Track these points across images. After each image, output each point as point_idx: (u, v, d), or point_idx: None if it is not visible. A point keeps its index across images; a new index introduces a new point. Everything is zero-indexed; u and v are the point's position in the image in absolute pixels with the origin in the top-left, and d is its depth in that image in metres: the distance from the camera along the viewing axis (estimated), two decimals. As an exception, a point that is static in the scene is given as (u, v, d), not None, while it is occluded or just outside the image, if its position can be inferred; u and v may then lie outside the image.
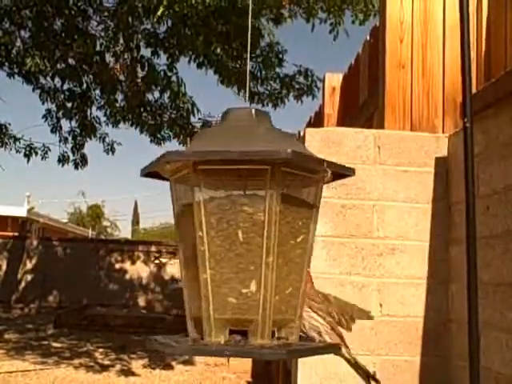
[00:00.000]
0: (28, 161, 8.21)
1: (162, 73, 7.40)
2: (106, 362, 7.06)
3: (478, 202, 1.70)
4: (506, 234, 2.09)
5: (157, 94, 7.83)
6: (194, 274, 1.16)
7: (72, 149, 8.21)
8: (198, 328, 1.17)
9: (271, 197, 1.12)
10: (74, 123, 8.14)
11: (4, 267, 14.31)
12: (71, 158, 8.24)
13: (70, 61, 7.35)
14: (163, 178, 1.21)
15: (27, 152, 8.16)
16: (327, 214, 2.57)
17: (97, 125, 8.13)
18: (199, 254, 1.13)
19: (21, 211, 21.60)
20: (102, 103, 7.99)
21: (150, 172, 1.19)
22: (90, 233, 32.68)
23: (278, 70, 7.46)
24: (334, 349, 1.28)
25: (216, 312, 1.12)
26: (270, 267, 1.13)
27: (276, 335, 1.16)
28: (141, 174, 1.20)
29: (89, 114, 8.03)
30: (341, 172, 1.21)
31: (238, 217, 1.13)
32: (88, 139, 8.18)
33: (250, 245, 1.13)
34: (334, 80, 4.56)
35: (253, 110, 1.19)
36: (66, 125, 8.23)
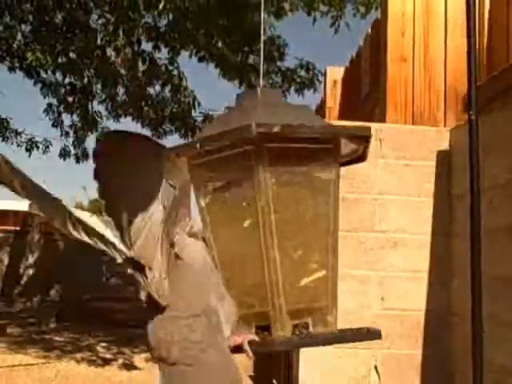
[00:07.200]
0: (29, 155, 8.22)
1: (163, 67, 7.39)
2: (108, 356, 7.07)
3: (482, 195, 1.69)
4: (509, 227, 2.09)
5: (158, 88, 7.83)
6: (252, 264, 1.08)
7: (73, 143, 8.21)
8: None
9: (335, 178, 1.11)
10: (75, 117, 8.14)
11: (6, 261, 14.34)
12: (72, 152, 8.25)
13: (71, 55, 7.33)
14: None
15: (28, 146, 8.16)
16: (329, 208, 2.56)
17: (98, 119, 8.13)
18: (262, 231, 1.04)
19: (22, 205, 21.61)
20: (104, 97, 7.98)
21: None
22: (92, 227, 32.61)
23: (279, 63, 7.44)
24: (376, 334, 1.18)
25: (286, 300, 1.05)
26: (335, 251, 1.10)
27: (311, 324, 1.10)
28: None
29: (90, 108, 8.02)
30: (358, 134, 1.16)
31: (301, 199, 1.09)
32: (89, 133, 8.19)
33: (314, 225, 1.08)
34: (335, 73, 4.54)
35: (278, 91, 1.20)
36: (67, 119, 8.24)
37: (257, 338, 1.04)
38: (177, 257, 1.06)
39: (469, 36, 1.65)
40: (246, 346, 1.03)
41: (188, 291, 1.01)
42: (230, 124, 1.05)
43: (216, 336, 1.00)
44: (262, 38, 1.34)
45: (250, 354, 1.03)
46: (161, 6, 5.68)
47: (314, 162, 1.09)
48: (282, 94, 1.18)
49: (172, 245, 1.05)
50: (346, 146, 1.16)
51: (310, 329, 1.07)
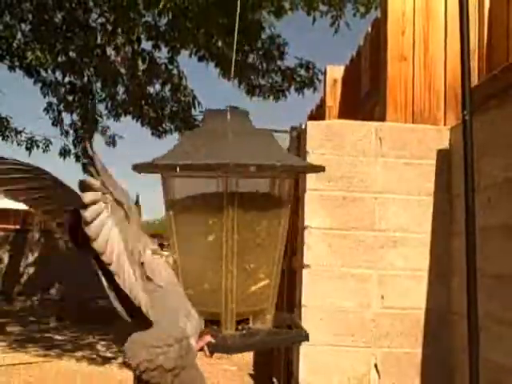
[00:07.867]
0: (29, 154, 8.22)
1: (163, 66, 7.40)
2: (109, 355, 7.07)
3: (479, 194, 1.70)
4: (506, 225, 2.09)
5: (158, 87, 7.84)
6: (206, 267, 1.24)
7: (73, 142, 8.22)
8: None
9: (289, 200, 1.28)
10: (75, 116, 8.15)
11: (6, 260, 14.34)
12: (72, 151, 8.26)
13: (71, 54, 7.33)
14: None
15: (28, 145, 8.17)
16: (328, 207, 2.57)
17: (98, 118, 8.14)
18: (225, 247, 1.19)
19: (22, 204, 21.58)
20: (104, 96, 7.99)
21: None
22: (92, 226, 32.58)
23: (279, 62, 7.44)
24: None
25: (237, 304, 1.20)
26: (279, 264, 1.28)
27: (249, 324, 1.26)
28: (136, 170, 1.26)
29: (90, 107, 8.03)
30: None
31: (259, 221, 1.25)
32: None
33: (266, 243, 1.25)
34: (335, 72, 4.54)
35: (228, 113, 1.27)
36: (67, 118, 8.26)
37: (213, 341, 1.14)
38: (148, 279, 1.06)
39: (462, 37, 1.65)
40: (205, 348, 1.14)
41: (162, 317, 1.03)
42: (202, 151, 1.18)
43: (187, 356, 1.05)
44: (236, 34, 1.37)
45: (207, 353, 1.14)
46: (160, 5, 5.69)
47: (274, 189, 1.29)
48: (248, 115, 1.30)
49: (142, 264, 1.04)
50: None
51: (251, 324, 1.24)
